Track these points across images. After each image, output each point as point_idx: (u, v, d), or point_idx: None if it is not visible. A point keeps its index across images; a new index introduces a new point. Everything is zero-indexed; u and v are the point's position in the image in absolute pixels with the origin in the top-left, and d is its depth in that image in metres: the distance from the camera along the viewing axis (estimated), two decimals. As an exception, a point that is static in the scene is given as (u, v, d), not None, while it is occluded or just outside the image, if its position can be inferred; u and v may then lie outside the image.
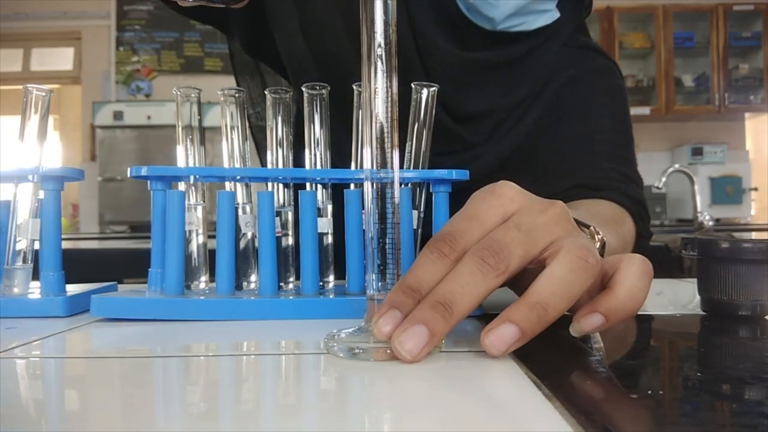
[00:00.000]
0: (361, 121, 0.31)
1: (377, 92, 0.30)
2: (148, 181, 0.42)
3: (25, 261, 0.43)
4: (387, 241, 0.31)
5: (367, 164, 0.31)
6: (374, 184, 0.31)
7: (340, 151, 0.50)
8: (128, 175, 0.42)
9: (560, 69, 0.71)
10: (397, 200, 0.31)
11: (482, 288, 0.29)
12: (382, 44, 0.30)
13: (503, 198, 0.33)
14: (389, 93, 0.30)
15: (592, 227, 0.42)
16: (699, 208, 2.19)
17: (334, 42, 0.66)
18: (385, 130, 0.30)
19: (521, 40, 0.68)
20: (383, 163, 0.31)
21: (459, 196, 0.35)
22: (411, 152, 0.45)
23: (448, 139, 0.66)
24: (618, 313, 0.31)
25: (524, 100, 0.70)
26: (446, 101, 0.64)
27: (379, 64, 0.30)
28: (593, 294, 0.33)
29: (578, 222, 0.45)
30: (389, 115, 0.30)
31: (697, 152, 3.44)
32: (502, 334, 0.28)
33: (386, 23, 0.30)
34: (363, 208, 0.32)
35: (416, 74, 0.64)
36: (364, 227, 0.44)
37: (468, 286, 0.29)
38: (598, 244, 0.42)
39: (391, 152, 0.31)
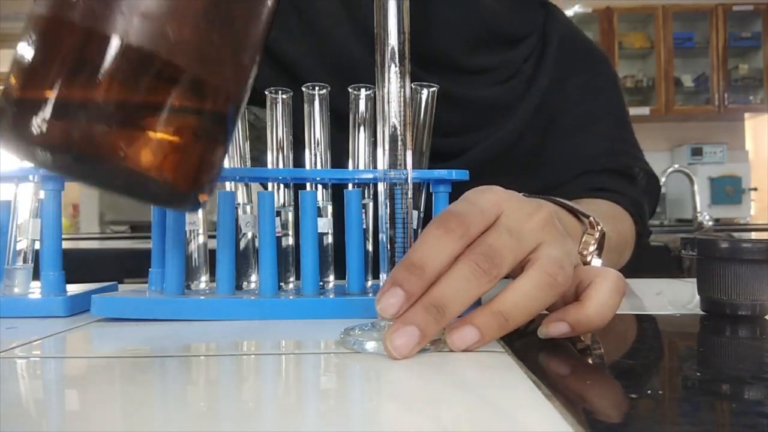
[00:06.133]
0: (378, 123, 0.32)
1: (391, 94, 0.31)
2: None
3: (25, 261, 0.44)
4: (398, 240, 0.32)
5: (380, 165, 0.32)
6: (387, 185, 0.32)
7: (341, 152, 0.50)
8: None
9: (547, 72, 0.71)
10: (410, 201, 0.32)
11: (475, 292, 0.30)
12: (395, 47, 0.31)
13: (495, 191, 0.34)
14: (402, 95, 0.31)
15: (591, 217, 0.43)
16: (698, 208, 2.19)
17: (338, 44, 0.66)
18: (399, 131, 0.31)
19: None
20: (396, 164, 0.32)
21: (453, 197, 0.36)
22: (411, 152, 0.45)
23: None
24: (584, 326, 0.32)
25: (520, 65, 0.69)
26: None
27: (392, 67, 0.31)
28: (567, 300, 0.34)
29: (578, 212, 0.46)
30: (402, 117, 0.31)
31: (697, 152, 3.44)
32: (464, 334, 0.30)
33: (399, 24, 0.31)
34: (378, 209, 0.33)
35: None
36: (364, 227, 0.44)
37: (461, 291, 0.30)
38: (598, 234, 0.42)
39: (404, 153, 0.32)
